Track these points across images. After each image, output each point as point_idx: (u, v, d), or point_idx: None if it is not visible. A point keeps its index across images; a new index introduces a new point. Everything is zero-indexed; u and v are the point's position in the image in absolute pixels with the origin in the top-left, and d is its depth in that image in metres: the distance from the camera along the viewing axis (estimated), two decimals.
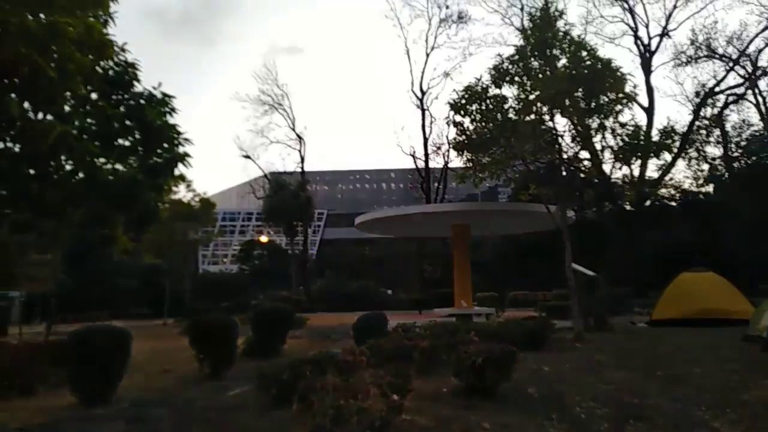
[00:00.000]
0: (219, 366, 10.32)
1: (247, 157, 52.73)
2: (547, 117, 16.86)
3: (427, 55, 35.43)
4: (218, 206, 39.81)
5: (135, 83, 10.87)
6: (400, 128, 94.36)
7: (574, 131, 17.25)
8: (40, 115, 8.56)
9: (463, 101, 16.54)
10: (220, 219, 56.51)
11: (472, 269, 26.25)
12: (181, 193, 31.13)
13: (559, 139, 17.23)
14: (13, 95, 8.15)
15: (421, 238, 41.92)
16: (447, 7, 27.05)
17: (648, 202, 34.69)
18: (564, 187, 18.72)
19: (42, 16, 8.15)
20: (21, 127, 8.01)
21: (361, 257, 63.97)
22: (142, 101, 10.62)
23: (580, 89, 15.82)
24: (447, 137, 35.95)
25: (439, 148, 38.85)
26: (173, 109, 11.28)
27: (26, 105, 8.31)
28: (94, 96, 9.64)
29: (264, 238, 53.90)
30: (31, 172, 8.31)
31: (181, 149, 10.82)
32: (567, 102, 16.05)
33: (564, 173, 19.24)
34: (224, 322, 10.48)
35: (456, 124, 17.10)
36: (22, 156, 7.97)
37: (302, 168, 47.62)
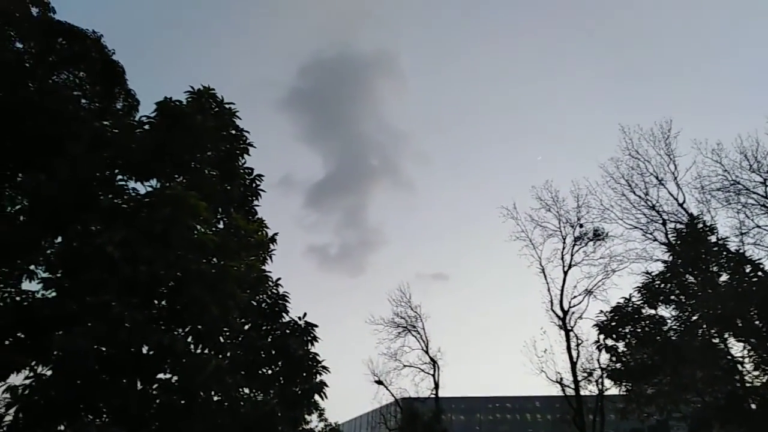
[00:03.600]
0: None
1: (380, 382, 51.84)
2: (716, 339, 14.75)
3: (565, 273, 34.31)
4: None
5: (284, 314, 11.69)
6: (542, 351, 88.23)
7: (756, 356, 14.70)
8: (197, 347, 9.28)
9: (613, 323, 15.28)
10: None
11: None
12: (313, 422, 30.64)
13: (738, 366, 14.69)
14: (180, 330, 9.05)
15: None
16: (581, 226, 27.08)
17: None
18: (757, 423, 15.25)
19: (214, 260, 9.43)
20: (182, 362, 8.60)
21: None
22: (287, 331, 11.23)
23: (752, 308, 13.93)
24: (599, 362, 32.32)
25: (590, 374, 34.91)
26: (315, 338, 11.70)
27: (189, 339, 9.10)
28: (246, 327, 10.40)
29: None
30: (182, 403, 8.62)
31: (318, 378, 10.90)
32: (739, 323, 14.05)
33: (753, 406, 15.89)
34: None
35: (608, 348, 15.58)
36: (178, 388, 8.39)
37: (436, 394, 45.11)
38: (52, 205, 9.45)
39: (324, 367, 10.93)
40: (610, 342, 15.60)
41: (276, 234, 12.37)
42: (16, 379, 8.42)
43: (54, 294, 8.72)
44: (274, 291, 11.81)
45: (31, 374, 8.79)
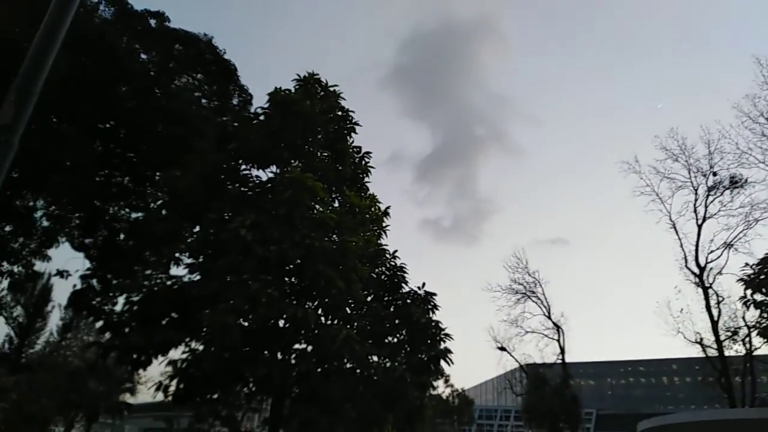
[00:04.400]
0: None
1: (502, 349, 51.68)
2: None
3: (699, 226, 31.04)
4: (475, 402, 38.44)
5: (403, 284, 12.00)
6: (678, 311, 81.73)
7: None
8: (326, 319, 9.85)
9: (762, 276, 13.77)
10: (477, 416, 54.14)
11: None
12: (440, 388, 31.26)
13: None
14: (310, 303, 9.65)
15: None
16: (714, 174, 24.45)
17: None
18: None
19: (334, 237, 9.89)
20: (316, 332, 9.18)
21: None
22: (408, 300, 11.52)
23: None
24: (744, 319, 29.25)
25: (734, 333, 31.75)
26: (435, 306, 11.91)
27: (320, 311, 9.68)
28: (369, 299, 10.83)
29: None
30: (319, 371, 9.23)
31: (442, 345, 11.09)
32: None
33: None
34: None
35: (757, 304, 14.10)
36: (314, 357, 8.99)
37: (563, 359, 43.63)
38: (188, 198, 10.45)
39: (447, 334, 11.08)
40: (759, 297, 14.08)
41: (388, 208, 12.69)
42: (175, 354, 9.49)
43: (198, 277, 9.67)
44: (391, 263, 12.12)
45: (187, 349, 9.91)
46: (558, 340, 42.61)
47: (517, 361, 47.61)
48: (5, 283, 25.70)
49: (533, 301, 45.94)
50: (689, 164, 25.80)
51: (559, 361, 42.99)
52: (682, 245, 31.20)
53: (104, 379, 31.48)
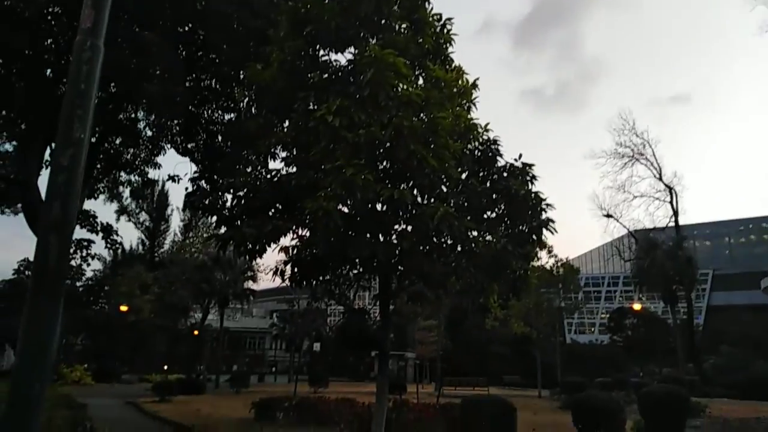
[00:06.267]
0: None
1: (609, 216, 50.31)
2: None
3: None
4: (580, 271, 38.35)
5: (498, 158, 11.56)
6: None
7: None
8: (422, 198, 9.83)
9: None
10: (583, 284, 54.29)
11: None
12: (543, 259, 31.34)
13: None
14: (404, 185, 9.63)
15: None
16: None
17: None
18: None
19: (422, 115, 9.54)
20: (412, 212, 9.23)
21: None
22: (505, 174, 11.14)
23: None
24: None
25: None
26: (534, 177, 11.44)
27: (415, 192, 9.65)
28: (464, 176, 10.58)
29: (637, 306, 48.66)
30: (421, 248, 9.40)
31: (543, 216, 10.77)
32: None
33: None
34: (612, 405, 9.45)
35: None
36: (414, 236, 9.13)
37: (676, 222, 41.47)
38: (273, 91, 10.45)
39: (549, 205, 10.71)
40: None
41: (477, 80, 11.92)
42: (285, 241, 10.09)
43: (294, 168, 9.91)
44: (484, 137, 11.63)
45: (295, 236, 10.50)
46: (671, 202, 40.14)
47: (625, 227, 45.83)
48: (126, 192, 28.55)
49: (642, 164, 43.04)
50: None
51: (672, 224, 40.73)
52: None
53: (228, 269, 35.12)
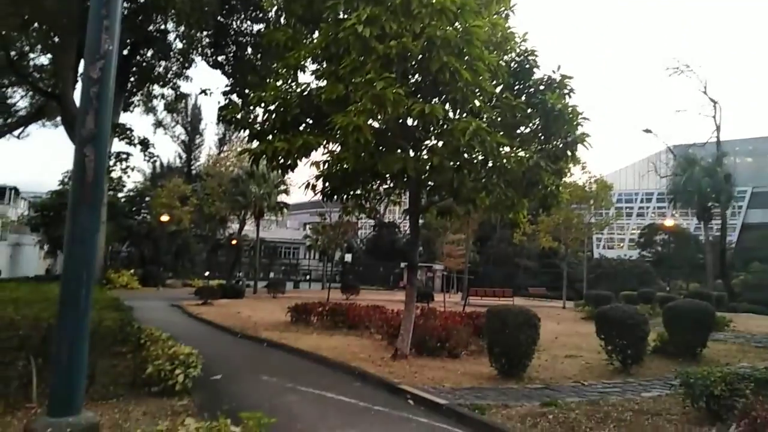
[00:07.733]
0: (628, 360, 9.65)
1: (648, 131, 48.90)
2: None
3: None
4: (613, 187, 37.68)
5: (534, 70, 11.12)
6: None
7: None
8: (454, 113, 9.68)
9: None
10: (615, 200, 53.57)
11: None
12: (576, 175, 30.82)
13: None
14: (436, 100, 9.45)
15: None
16: None
17: None
18: None
19: (457, 24, 9.13)
20: (443, 127, 9.14)
21: None
22: (541, 87, 10.76)
23: None
24: None
25: None
26: (571, 91, 11.02)
27: (446, 106, 9.49)
28: (498, 89, 10.27)
29: (669, 222, 48.05)
30: (451, 164, 9.39)
31: (579, 130, 10.50)
32: None
33: None
34: (636, 316, 9.67)
35: None
36: (444, 151, 9.09)
37: (717, 138, 39.81)
38: (301, 1, 10.13)
39: (585, 118, 10.40)
40: None
41: None
42: (316, 156, 10.19)
43: (324, 82, 9.80)
44: (521, 48, 11.15)
45: (326, 151, 10.58)
46: (714, 117, 38.26)
47: (663, 142, 44.10)
48: (161, 106, 28.83)
49: (686, 76, 40.72)
50: None
51: (713, 140, 39.15)
52: None
53: (262, 183, 35.80)
